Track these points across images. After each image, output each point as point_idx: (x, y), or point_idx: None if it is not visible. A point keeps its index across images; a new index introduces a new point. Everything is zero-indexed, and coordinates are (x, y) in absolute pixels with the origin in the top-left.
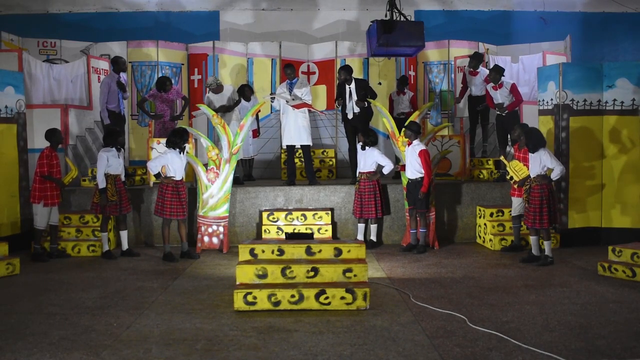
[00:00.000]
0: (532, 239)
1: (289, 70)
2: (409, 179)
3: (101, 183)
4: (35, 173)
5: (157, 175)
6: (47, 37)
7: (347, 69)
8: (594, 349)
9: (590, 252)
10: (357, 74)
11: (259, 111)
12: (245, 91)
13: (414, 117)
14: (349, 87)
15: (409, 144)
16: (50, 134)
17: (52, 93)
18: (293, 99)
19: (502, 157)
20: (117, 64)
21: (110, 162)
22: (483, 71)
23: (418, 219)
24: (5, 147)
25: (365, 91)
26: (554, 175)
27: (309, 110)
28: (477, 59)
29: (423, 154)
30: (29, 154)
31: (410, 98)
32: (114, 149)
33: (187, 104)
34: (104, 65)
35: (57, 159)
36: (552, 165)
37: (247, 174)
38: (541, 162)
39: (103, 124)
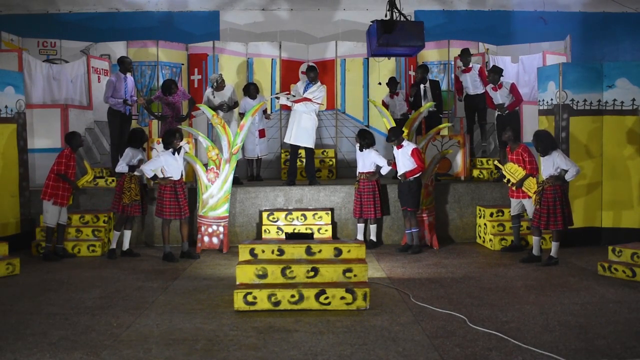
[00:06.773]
0: (534, 239)
1: (312, 74)
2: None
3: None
4: (51, 170)
5: (154, 178)
6: (47, 37)
7: (424, 68)
8: (594, 349)
9: (590, 252)
10: (357, 73)
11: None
12: (251, 90)
13: (414, 117)
14: (424, 87)
15: (398, 148)
16: (70, 137)
17: (52, 93)
18: (294, 95)
19: (496, 162)
20: (123, 64)
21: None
22: (475, 66)
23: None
24: (5, 147)
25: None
26: (569, 176)
27: (314, 112)
28: (466, 54)
29: (415, 152)
30: (29, 154)
31: (405, 97)
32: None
33: (192, 105)
34: (104, 65)
35: (74, 161)
36: (566, 166)
37: (252, 174)
38: (554, 164)
39: (109, 120)
